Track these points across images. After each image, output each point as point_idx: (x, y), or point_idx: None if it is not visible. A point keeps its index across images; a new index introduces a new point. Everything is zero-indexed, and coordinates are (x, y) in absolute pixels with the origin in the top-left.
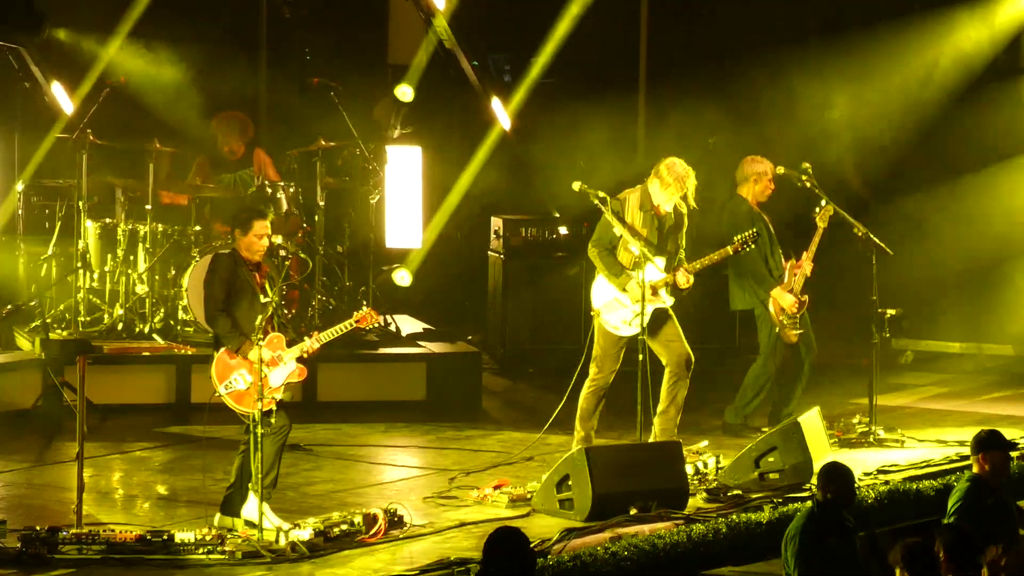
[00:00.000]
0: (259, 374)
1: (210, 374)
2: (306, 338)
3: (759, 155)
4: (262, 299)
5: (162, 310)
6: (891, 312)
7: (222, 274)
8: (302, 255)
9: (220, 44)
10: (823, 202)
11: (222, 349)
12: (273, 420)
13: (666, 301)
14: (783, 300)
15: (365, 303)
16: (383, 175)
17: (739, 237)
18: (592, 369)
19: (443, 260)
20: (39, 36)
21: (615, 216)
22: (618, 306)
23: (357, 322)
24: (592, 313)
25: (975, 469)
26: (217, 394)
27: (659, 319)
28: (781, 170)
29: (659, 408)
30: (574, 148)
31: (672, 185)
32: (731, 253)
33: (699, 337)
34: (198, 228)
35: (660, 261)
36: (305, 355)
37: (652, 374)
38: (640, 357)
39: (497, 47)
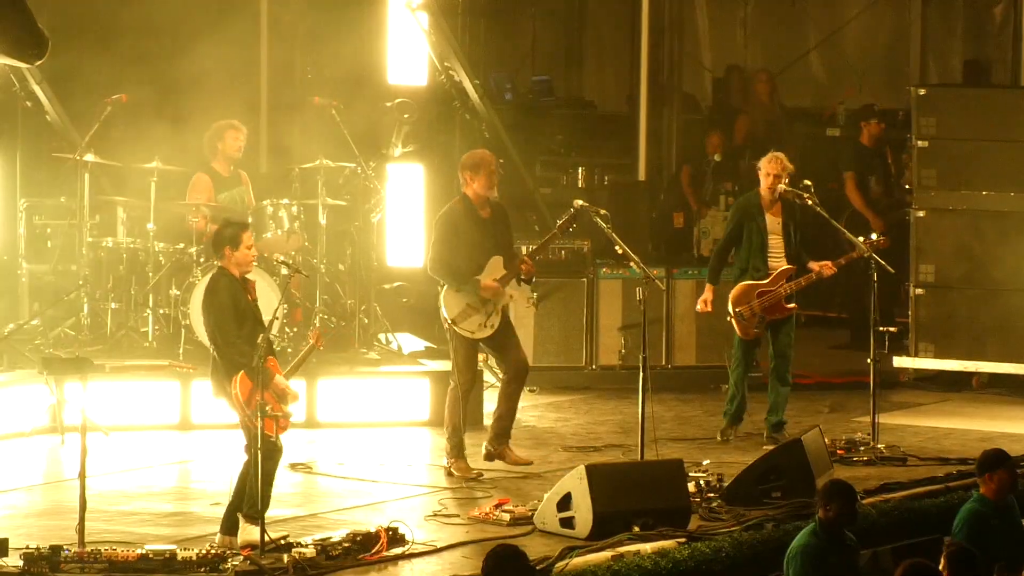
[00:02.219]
0: (268, 396)
1: (235, 394)
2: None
3: (781, 153)
4: (264, 320)
5: (164, 329)
6: (892, 330)
7: (224, 299)
8: (303, 273)
9: (220, 62)
10: (876, 236)
11: (241, 372)
12: (279, 443)
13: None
14: (731, 292)
15: (316, 322)
16: (384, 194)
17: (560, 221)
18: (454, 378)
19: None
20: (41, 56)
21: (612, 233)
22: (471, 312)
23: (315, 342)
24: (446, 326)
25: (982, 489)
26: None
27: (505, 325)
28: (783, 187)
29: (496, 412)
30: (575, 165)
31: (480, 176)
32: (558, 235)
33: (702, 356)
34: (200, 246)
35: (499, 261)
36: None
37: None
38: (641, 376)
39: (498, 66)
